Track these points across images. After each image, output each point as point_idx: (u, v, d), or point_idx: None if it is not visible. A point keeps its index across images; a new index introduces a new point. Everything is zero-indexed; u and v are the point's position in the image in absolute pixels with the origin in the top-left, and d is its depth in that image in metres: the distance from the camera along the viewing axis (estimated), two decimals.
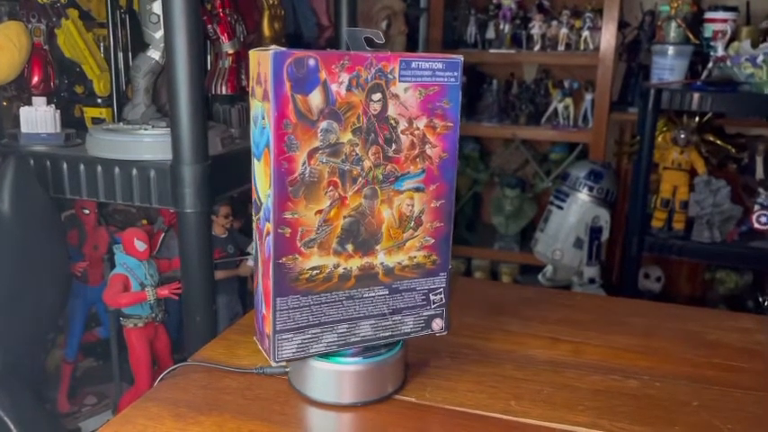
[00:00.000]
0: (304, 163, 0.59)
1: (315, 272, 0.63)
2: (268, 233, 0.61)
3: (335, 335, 0.66)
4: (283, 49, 0.57)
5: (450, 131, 0.66)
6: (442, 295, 0.71)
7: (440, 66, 0.64)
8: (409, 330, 0.70)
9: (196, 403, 0.67)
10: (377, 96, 0.62)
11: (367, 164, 0.63)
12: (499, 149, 2.79)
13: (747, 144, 2.19)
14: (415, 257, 0.68)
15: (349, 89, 0.60)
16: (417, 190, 0.66)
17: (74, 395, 1.35)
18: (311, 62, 0.57)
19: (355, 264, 0.65)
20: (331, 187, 0.61)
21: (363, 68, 0.60)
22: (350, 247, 0.64)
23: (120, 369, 1.28)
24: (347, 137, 0.61)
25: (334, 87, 0.59)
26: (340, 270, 0.64)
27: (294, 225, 0.60)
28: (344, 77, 0.59)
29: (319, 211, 0.61)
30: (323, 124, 0.59)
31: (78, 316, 1.29)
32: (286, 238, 0.60)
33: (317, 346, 0.65)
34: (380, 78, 0.62)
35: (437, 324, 0.72)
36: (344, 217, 0.63)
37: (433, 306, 0.71)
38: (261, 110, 0.60)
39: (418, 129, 0.65)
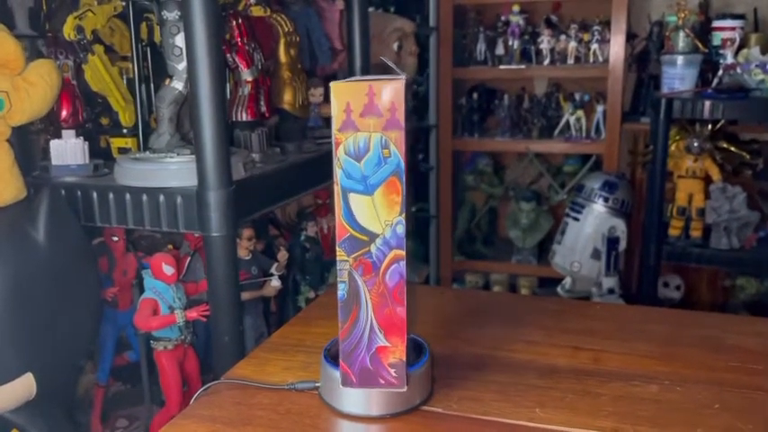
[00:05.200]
0: None
1: None
2: (394, 261, 0.64)
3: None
4: (403, 77, 0.61)
5: None
6: None
7: None
8: None
9: (231, 419, 0.70)
10: None
11: None
12: (513, 163, 2.81)
13: (762, 150, 2.20)
14: None
15: None
16: None
17: (105, 418, 1.38)
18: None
19: None
20: None
21: None
22: None
23: (149, 391, 1.31)
24: None
25: None
26: None
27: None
28: None
29: None
30: None
31: (110, 340, 1.32)
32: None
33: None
34: None
35: None
36: None
37: None
38: (379, 140, 0.62)
39: None
